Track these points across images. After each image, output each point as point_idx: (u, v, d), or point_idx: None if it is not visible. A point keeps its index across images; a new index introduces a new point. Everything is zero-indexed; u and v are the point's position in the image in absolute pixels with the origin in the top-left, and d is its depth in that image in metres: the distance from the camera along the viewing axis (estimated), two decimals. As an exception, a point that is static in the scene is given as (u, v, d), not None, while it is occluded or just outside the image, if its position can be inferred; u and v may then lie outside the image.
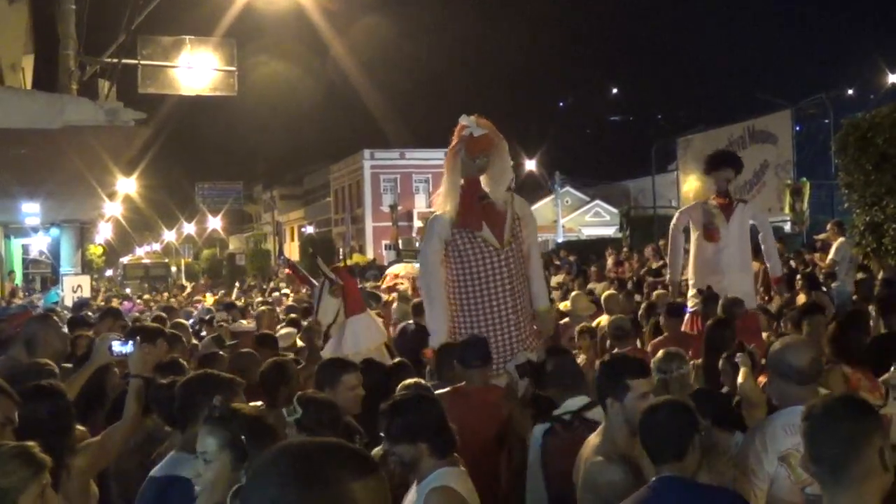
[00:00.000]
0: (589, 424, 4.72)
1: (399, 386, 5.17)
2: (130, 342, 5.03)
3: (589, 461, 4.02)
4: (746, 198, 10.44)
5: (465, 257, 6.99)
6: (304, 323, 9.81)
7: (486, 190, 7.13)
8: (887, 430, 3.17)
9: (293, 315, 10.88)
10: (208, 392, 3.91)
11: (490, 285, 6.95)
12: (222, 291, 30.91)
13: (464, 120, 7.05)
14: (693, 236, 9.95)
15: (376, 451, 4.13)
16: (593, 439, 4.19)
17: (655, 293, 12.40)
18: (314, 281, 8.32)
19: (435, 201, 7.37)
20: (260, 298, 21.65)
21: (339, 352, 7.29)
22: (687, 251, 10.33)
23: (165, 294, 34.35)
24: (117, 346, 5.06)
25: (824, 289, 11.92)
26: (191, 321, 14.07)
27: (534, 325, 7.27)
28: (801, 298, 10.81)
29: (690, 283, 9.90)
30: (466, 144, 6.96)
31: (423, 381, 5.52)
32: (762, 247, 10.06)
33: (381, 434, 3.89)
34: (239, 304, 18.20)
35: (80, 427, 4.47)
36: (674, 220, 10.17)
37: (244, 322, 10.02)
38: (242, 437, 3.34)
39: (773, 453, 3.95)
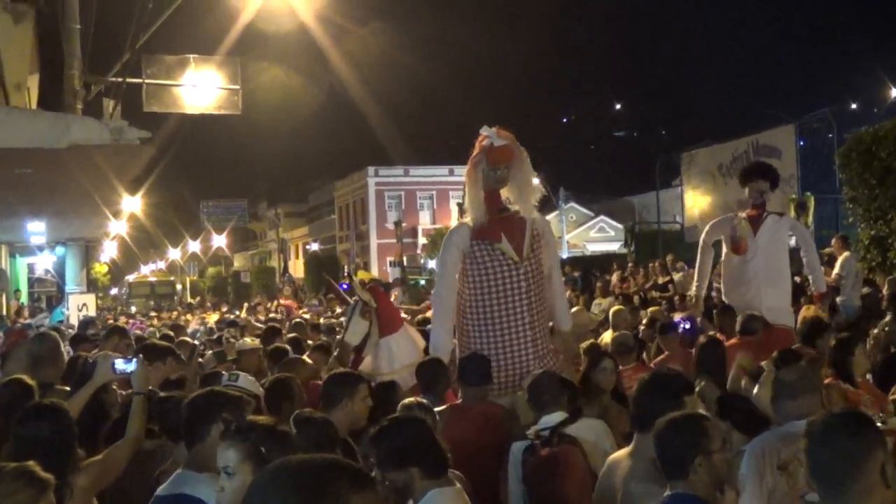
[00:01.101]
0: (568, 440, 4.73)
1: (400, 405, 5.18)
2: (134, 360, 5.05)
3: (630, 483, 4.02)
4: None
5: (483, 269, 6.89)
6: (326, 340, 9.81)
7: (511, 204, 7.07)
8: (892, 446, 3.16)
9: (323, 339, 10.78)
10: (216, 410, 3.92)
11: (507, 298, 6.83)
12: (224, 309, 30.93)
13: (484, 131, 6.98)
14: (724, 251, 9.84)
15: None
16: (625, 460, 4.18)
17: (650, 309, 12.42)
18: (349, 300, 8.38)
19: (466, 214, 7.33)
20: (261, 318, 21.64)
21: (377, 372, 7.32)
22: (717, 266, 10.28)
23: (174, 313, 34.35)
24: (120, 364, 5.05)
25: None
26: (196, 340, 14.09)
27: (551, 342, 7.18)
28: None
29: (723, 297, 9.86)
30: (487, 155, 6.88)
31: (423, 400, 5.53)
32: (804, 261, 9.88)
33: (372, 462, 3.84)
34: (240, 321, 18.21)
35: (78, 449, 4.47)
36: (703, 235, 10.02)
37: (248, 340, 10.03)
38: (261, 447, 3.36)
39: (772, 464, 3.95)
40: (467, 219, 7.09)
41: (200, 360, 10.04)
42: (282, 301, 28.88)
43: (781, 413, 4.19)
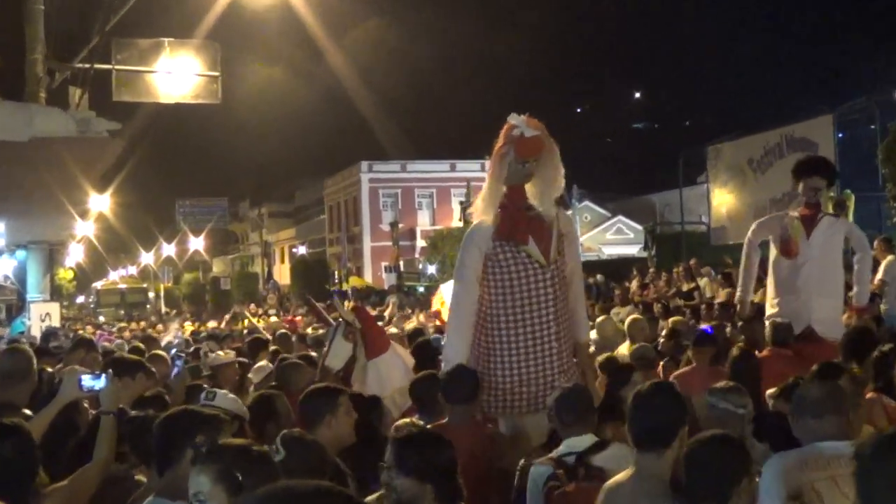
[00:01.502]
0: (595, 473, 4.65)
1: (394, 427, 5.16)
2: (103, 376, 5.01)
3: None
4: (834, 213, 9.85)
5: (507, 273, 6.79)
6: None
7: (532, 200, 6.93)
8: None
9: (312, 354, 10.73)
10: (190, 431, 3.89)
11: (533, 306, 6.74)
12: (197, 322, 30.99)
13: (512, 119, 6.80)
14: (772, 253, 9.70)
15: (370, 499, 4.13)
16: (626, 483, 4.14)
17: (672, 319, 12.37)
18: (331, 321, 8.36)
19: (473, 212, 7.15)
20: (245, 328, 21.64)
21: None
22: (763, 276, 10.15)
23: (146, 322, 34.39)
24: (88, 381, 5.01)
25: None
26: (172, 352, 14.08)
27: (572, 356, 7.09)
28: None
29: (767, 305, 9.67)
30: (516, 146, 6.72)
31: (419, 422, 5.51)
32: (854, 268, 9.68)
33: (384, 463, 3.88)
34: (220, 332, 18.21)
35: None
36: (749, 234, 9.90)
37: (222, 353, 10.03)
38: (236, 472, 3.34)
39: (786, 490, 3.94)
40: (481, 216, 6.96)
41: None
42: (286, 317, 28.68)
43: (801, 432, 4.18)
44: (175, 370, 8.21)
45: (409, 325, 15.77)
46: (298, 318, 26.74)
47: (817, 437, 4.05)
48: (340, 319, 8.01)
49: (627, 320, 10.99)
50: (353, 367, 7.93)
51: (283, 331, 14.56)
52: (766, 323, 8.95)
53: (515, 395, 6.61)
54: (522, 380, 6.64)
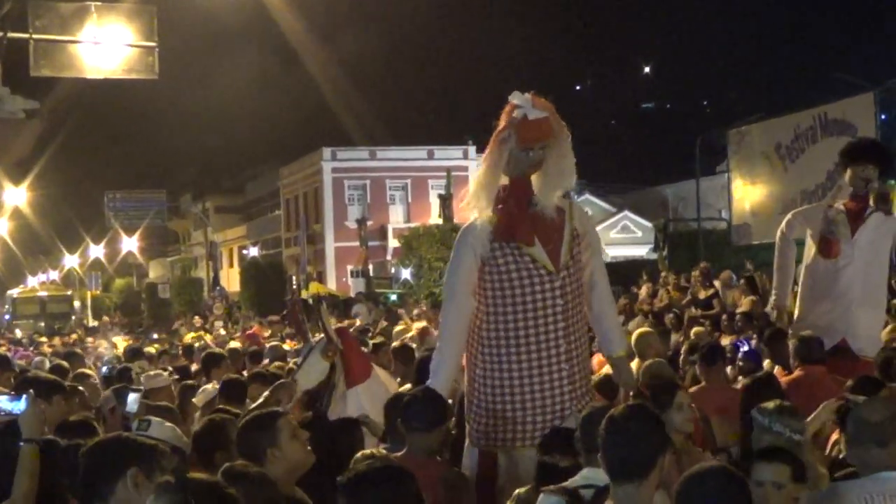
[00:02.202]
0: None
1: (356, 458, 5.17)
2: (24, 397, 4.97)
3: None
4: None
5: (508, 281, 6.67)
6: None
7: (539, 194, 6.82)
8: None
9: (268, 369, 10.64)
10: (122, 461, 3.89)
11: (539, 321, 6.64)
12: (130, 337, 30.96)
13: (515, 98, 6.72)
14: (808, 249, 9.56)
15: None
16: None
17: (693, 330, 12.36)
18: (310, 337, 8.35)
19: (463, 206, 7.16)
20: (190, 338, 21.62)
21: None
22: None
23: (72, 336, 34.24)
24: (5, 403, 4.99)
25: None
26: (103, 369, 14.06)
27: (591, 376, 7.07)
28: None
29: (795, 312, 9.63)
30: (518, 130, 6.62)
31: (382, 450, 5.52)
32: None
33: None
34: (151, 349, 18.23)
35: None
36: (783, 225, 9.77)
37: (164, 374, 10.02)
38: None
39: None
40: (480, 213, 6.82)
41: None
42: (246, 329, 28.52)
43: (861, 460, 4.21)
44: (129, 406, 8.00)
45: (399, 328, 15.79)
46: (254, 327, 26.72)
47: (881, 467, 4.08)
48: (320, 335, 7.96)
49: (634, 335, 10.91)
50: (324, 389, 7.93)
51: (233, 345, 14.56)
52: (790, 334, 8.94)
53: (518, 426, 6.55)
54: (526, 408, 6.58)
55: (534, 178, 6.83)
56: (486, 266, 6.71)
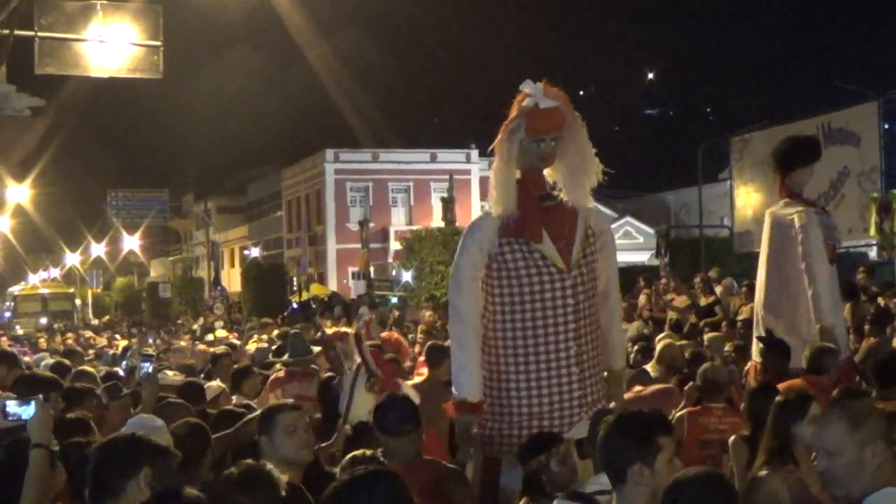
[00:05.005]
0: None
1: (347, 458, 5.17)
2: (32, 401, 4.84)
3: None
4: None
5: (516, 278, 6.42)
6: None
7: (557, 189, 6.61)
8: None
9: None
10: (136, 461, 3.89)
11: (548, 321, 6.40)
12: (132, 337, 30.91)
13: (526, 87, 6.48)
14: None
15: None
16: None
17: (707, 336, 12.33)
18: (346, 369, 8.28)
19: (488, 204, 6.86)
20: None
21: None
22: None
23: (73, 335, 34.23)
24: (13, 407, 4.82)
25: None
26: (124, 364, 14.09)
27: (603, 385, 6.78)
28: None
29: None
30: (528, 120, 6.38)
31: (376, 453, 5.52)
32: None
33: None
34: (150, 350, 18.22)
35: None
36: (801, 221, 9.12)
37: (169, 373, 9.98)
38: None
39: None
40: (494, 208, 6.57)
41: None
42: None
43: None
44: (143, 370, 7.84)
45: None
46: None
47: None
48: (359, 364, 7.88)
49: (659, 346, 10.71)
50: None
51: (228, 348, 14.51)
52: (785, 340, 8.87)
53: (523, 432, 6.30)
54: (533, 413, 6.38)
55: (555, 173, 6.64)
56: (493, 262, 6.48)
